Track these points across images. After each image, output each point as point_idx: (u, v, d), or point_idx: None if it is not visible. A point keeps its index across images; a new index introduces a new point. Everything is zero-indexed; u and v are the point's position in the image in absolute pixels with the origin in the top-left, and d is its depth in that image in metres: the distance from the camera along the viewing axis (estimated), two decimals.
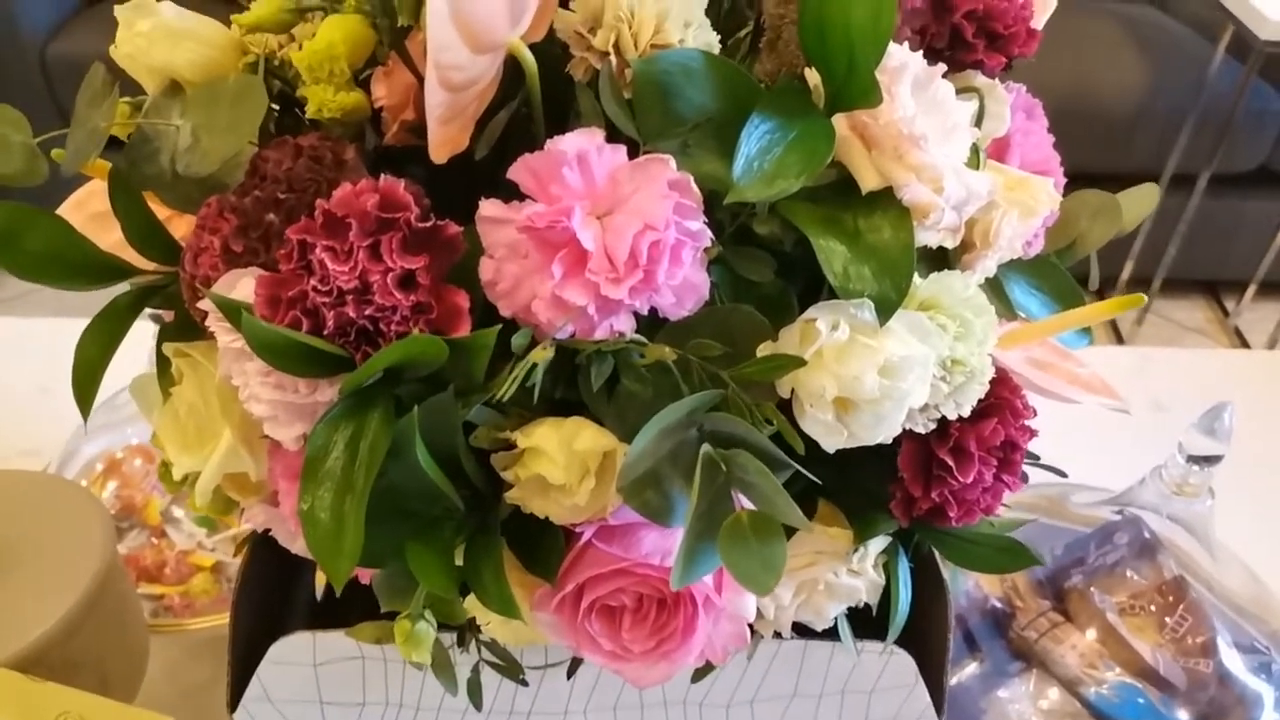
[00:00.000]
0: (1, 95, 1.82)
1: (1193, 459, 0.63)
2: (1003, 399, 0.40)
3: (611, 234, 0.32)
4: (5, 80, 1.83)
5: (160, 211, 0.43)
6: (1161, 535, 0.73)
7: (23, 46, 1.78)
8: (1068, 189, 0.49)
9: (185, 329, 0.43)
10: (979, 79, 0.42)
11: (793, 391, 0.36)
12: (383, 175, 0.33)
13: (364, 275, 0.32)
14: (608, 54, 0.38)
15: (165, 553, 0.88)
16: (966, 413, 0.39)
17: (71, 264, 0.42)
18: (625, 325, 0.33)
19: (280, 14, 0.38)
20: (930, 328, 0.35)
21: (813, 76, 0.38)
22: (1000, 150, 0.45)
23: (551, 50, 0.40)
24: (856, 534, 0.40)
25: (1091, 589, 0.77)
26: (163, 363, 0.42)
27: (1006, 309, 0.47)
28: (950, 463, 0.39)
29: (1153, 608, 0.76)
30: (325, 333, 0.32)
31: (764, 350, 0.35)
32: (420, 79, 0.38)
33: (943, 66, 0.37)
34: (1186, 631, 0.75)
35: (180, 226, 0.46)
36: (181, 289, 0.40)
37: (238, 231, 0.37)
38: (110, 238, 0.45)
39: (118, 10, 0.44)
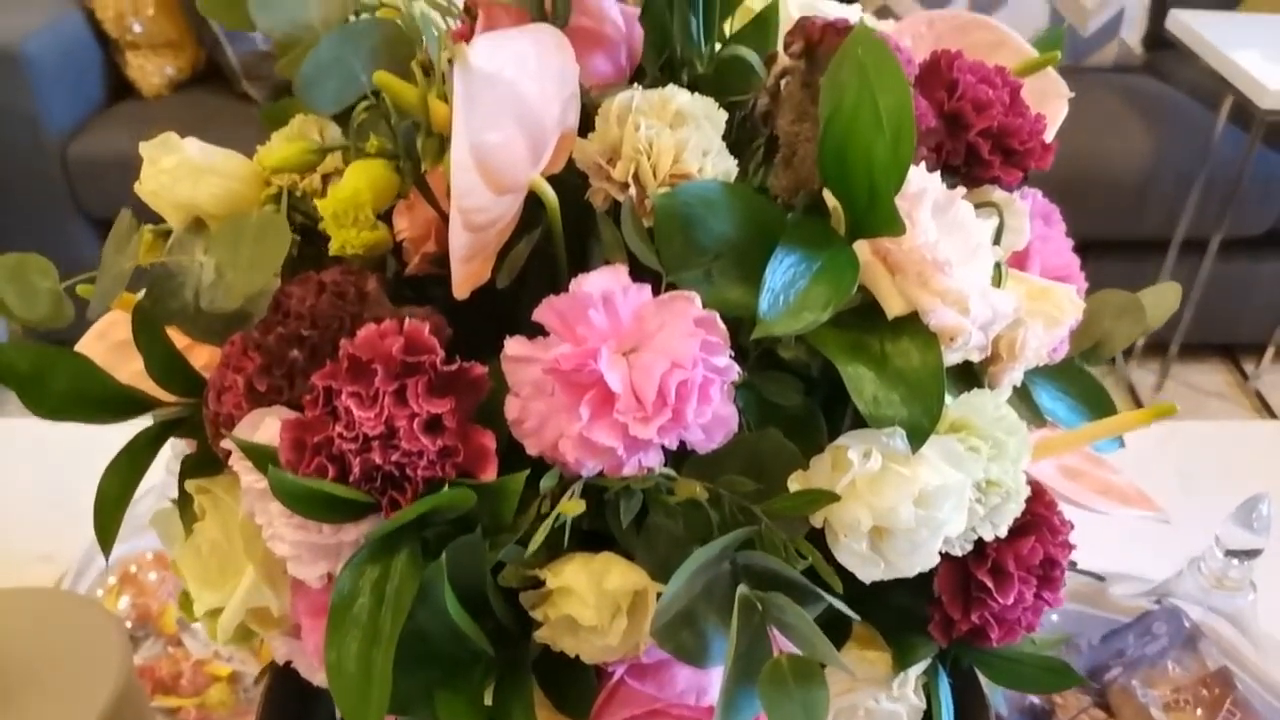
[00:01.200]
0: (24, 194, 1.86)
1: (1231, 552, 0.61)
2: (1039, 515, 0.39)
3: (639, 373, 0.31)
4: (28, 179, 1.87)
5: (179, 340, 0.43)
6: (1203, 625, 0.71)
7: (45, 145, 1.82)
8: (1082, 256, 0.48)
9: (206, 461, 0.42)
10: (996, 194, 0.42)
11: (825, 520, 0.35)
12: (407, 318, 0.33)
13: (390, 421, 0.32)
14: (628, 185, 0.38)
15: (181, 663, 0.87)
16: (1003, 532, 0.38)
17: (95, 401, 0.42)
18: (654, 461, 0.33)
19: (304, 154, 0.38)
20: (963, 453, 0.35)
21: (831, 197, 0.38)
22: (1021, 259, 0.45)
23: (571, 179, 0.40)
24: (896, 659, 0.39)
25: (1134, 682, 0.74)
26: (185, 497, 0.42)
27: (1035, 416, 0.47)
28: (989, 584, 0.38)
29: (1198, 702, 0.73)
30: (351, 479, 0.32)
31: (795, 480, 0.35)
32: (442, 214, 0.38)
33: (962, 189, 0.37)
34: None
35: (201, 355, 0.46)
36: (204, 424, 0.40)
37: (261, 370, 0.37)
38: (131, 368, 0.45)
39: (143, 148, 0.45)
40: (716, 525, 0.33)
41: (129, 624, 0.89)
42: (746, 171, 0.46)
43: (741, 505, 0.33)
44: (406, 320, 0.33)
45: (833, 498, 0.32)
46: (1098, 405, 0.49)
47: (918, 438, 0.34)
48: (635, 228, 0.35)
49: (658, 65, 0.46)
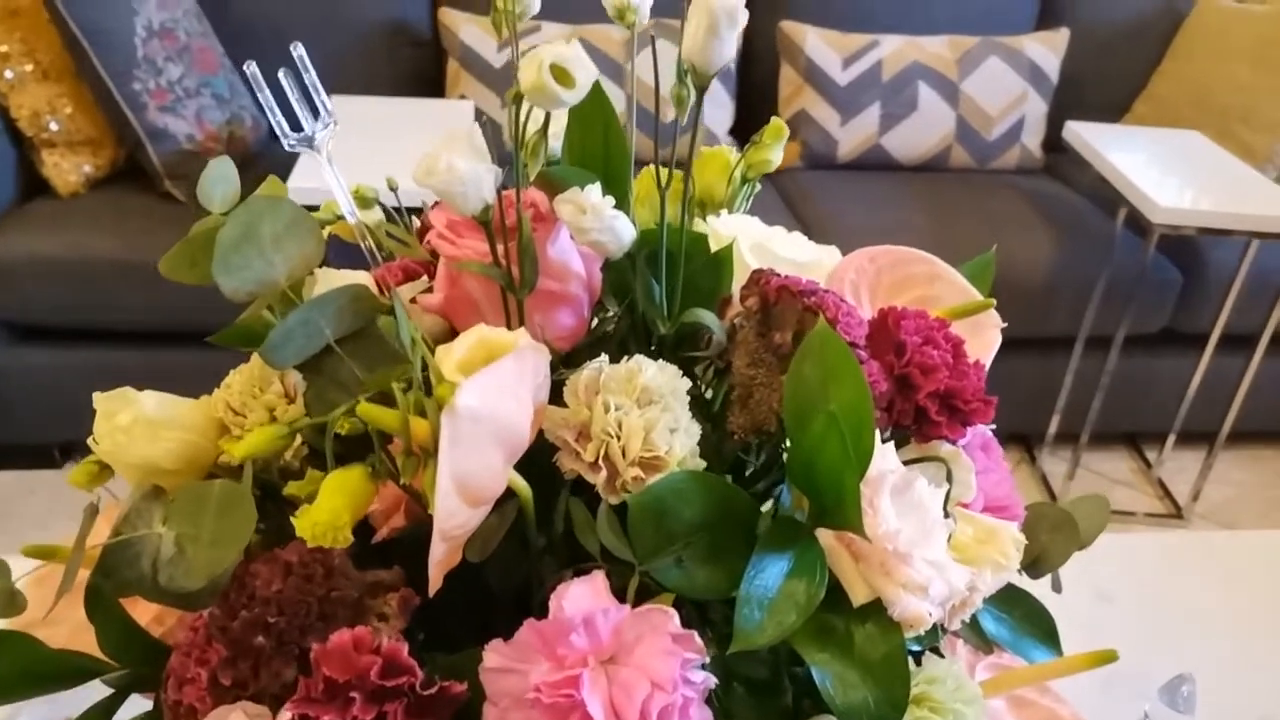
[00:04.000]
0: None
1: None
2: None
3: (620, 693, 0.32)
4: None
5: (142, 616, 0.42)
6: None
7: None
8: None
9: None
10: (944, 448, 0.45)
11: None
12: (384, 640, 0.33)
13: None
14: (598, 465, 0.39)
15: None
16: None
17: (43, 676, 0.40)
18: None
19: (275, 441, 0.38)
20: None
21: (797, 494, 0.40)
22: None
23: (539, 443, 0.41)
24: None
25: None
26: None
27: (983, 643, 0.49)
28: None
29: None
30: None
31: None
32: (410, 494, 0.38)
33: (919, 475, 0.39)
34: None
35: (148, 611, 0.45)
36: (161, 700, 0.39)
37: (226, 663, 0.37)
38: (78, 614, 0.44)
39: (98, 400, 0.44)
40: None
41: None
42: (707, 407, 0.47)
43: None
44: (383, 641, 0.33)
45: None
46: (1040, 624, 0.51)
47: None
48: (610, 525, 0.36)
49: (620, 308, 0.47)
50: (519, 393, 0.35)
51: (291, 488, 0.40)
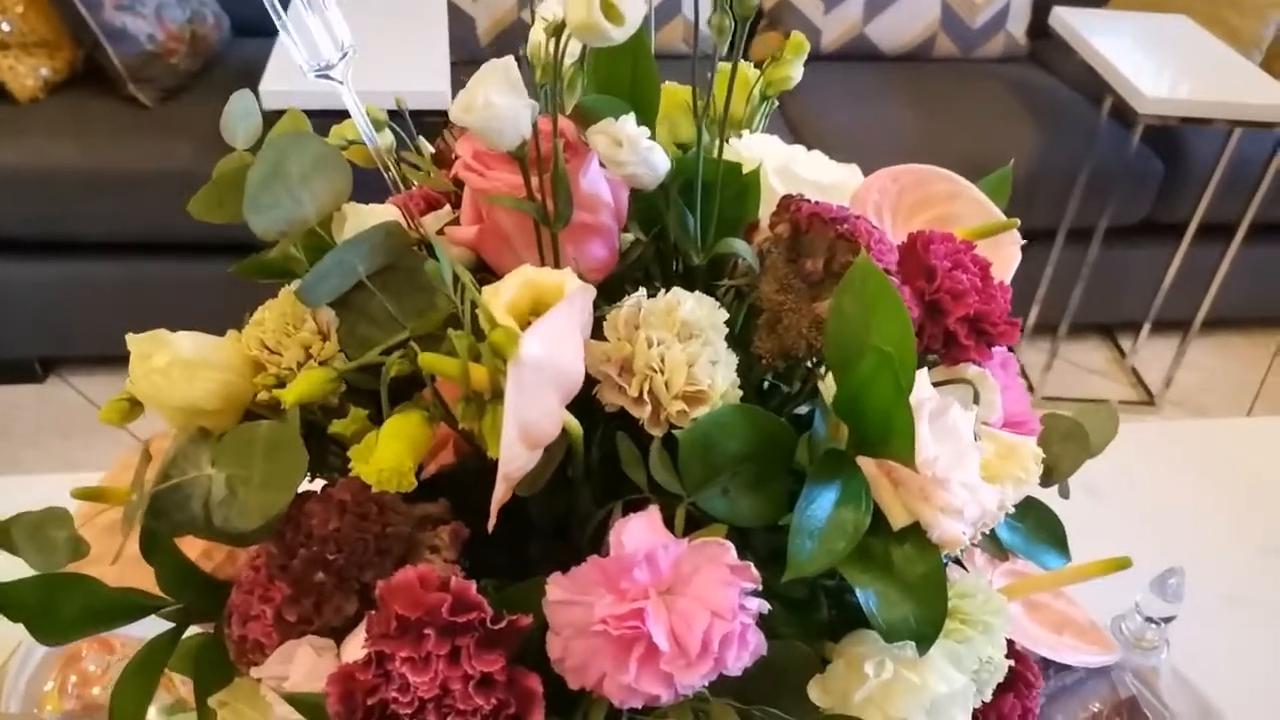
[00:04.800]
0: None
1: (1149, 619, 0.67)
2: (1017, 672, 0.44)
3: (680, 623, 0.34)
4: None
5: (190, 550, 0.43)
6: None
7: None
8: None
9: (218, 657, 0.43)
10: (971, 370, 0.46)
11: None
12: (453, 578, 0.34)
13: (444, 683, 0.33)
14: (643, 400, 0.39)
15: None
16: (989, 697, 0.42)
17: (102, 614, 0.41)
18: (690, 689, 0.35)
19: (324, 385, 0.39)
20: (964, 652, 0.38)
21: (831, 390, 0.41)
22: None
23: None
24: None
25: (1056, 715, 0.81)
26: (203, 705, 0.42)
27: (998, 550, 0.51)
28: None
29: None
30: None
31: (815, 687, 0.38)
32: (460, 434, 0.39)
33: (954, 401, 0.40)
34: None
35: (196, 546, 0.45)
36: (226, 643, 0.40)
37: (290, 601, 0.38)
38: (127, 549, 0.45)
39: (131, 341, 0.44)
40: None
41: (74, 709, 0.86)
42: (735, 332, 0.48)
43: None
44: (454, 580, 0.34)
45: None
46: (1051, 531, 0.53)
47: (925, 643, 0.37)
48: (661, 460, 0.37)
49: (649, 237, 0.47)
50: (574, 336, 0.35)
51: (336, 426, 0.41)
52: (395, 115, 0.54)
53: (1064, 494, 0.57)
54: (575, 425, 0.37)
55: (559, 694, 0.36)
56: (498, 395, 0.34)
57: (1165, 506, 1.02)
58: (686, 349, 0.40)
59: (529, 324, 0.38)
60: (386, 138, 0.54)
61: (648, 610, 0.33)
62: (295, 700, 0.35)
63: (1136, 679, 0.78)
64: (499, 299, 0.36)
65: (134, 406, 0.48)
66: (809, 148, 0.53)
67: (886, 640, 0.37)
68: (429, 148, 0.56)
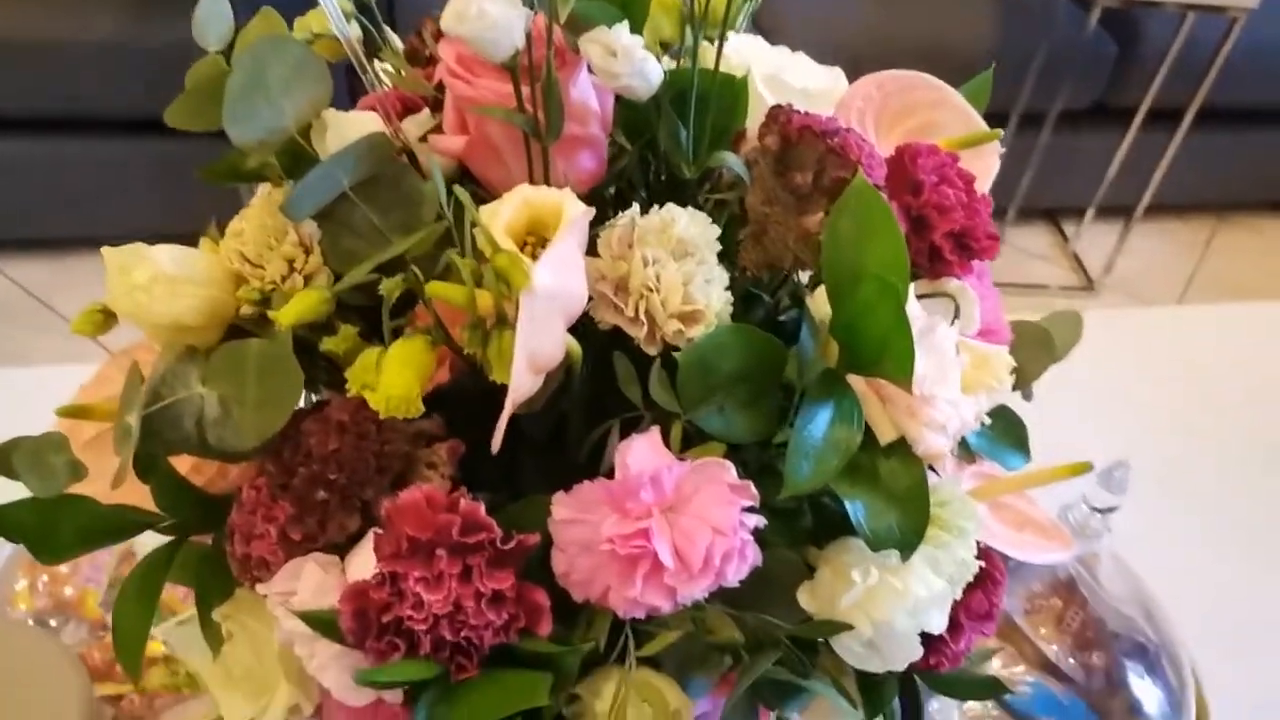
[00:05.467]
0: None
1: (1094, 509, 0.72)
2: (985, 571, 0.46)
3: (683, 540, 0.35)
4: None
5: (180, 466, 0.43)
6: None
7: None
8: None
9: (219, 570, 0.43)
10: (952, 284, 0.47)
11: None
12: (461, 499, 0.35)
13: (457, 600, 0.34)
14: (638, 318, 0.40)
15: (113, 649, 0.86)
16: (959, 595, 0.44)
17: (99, 532, 0.41)
18: (689, 600, 0.37)
19: (320, 305, 0.38)
20: (941, 557, 0.40)
21: (820, 308, 0.42)
22: None
23: None
24: (866, 706, 0.46)
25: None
26: (206, 617, 0.42)
27: (966, 453, 0.53)
28: (945, 636, 0.45)
29: (1050, 607, 0.87)
30: (420, 652, 0.35)
31: (804, 593, 0.40)
32: (455, 351, 0.39)
33: (941, 319, 0.41)
34: (1081, 626, 0.86)
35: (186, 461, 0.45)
36: (227, 558, 0.41)
37: (294, 520, 0.38)
38: (110, 463, 0.45)
39: (108, 254, 0.43)
40: (742, 645, 0.38)
41: (44, 607, 0.87)
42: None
43: (768, 631, 0.38)
44: (462, 502, 0.35)
45: (847, 627, 0.38)
46: (1015, 434, 0.55)
47: (907, 550, 0.39)
48: (660, 380, 0.38)
49: (636, 147, 0.47)
50: (579, 261, 0.35)
51: (328, 344, 0.41)
52: (362, 8, 0.52)
53: (1027, 397, 0.59)
54: (576, 347, 0.37)
55: (562, 604, 0.38)
56: (502, 320, 0.34)
57: (1104, 395, 1.07)
58: (682, 267, 0.40)
59: (525, 244, 0.38)
60: (356, 30, 0.52)
61: (653, 529, 0.34)
62: (309, 617, 0.36)
63: (1078, 562, 0.83)
64: (498, 220, 0.36)
65: (107, 318, 0.47)
66: (771, 41, 0.52)
67: (872, 550, 0.39)
68: (398, 43, 0.54)
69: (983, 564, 0.46)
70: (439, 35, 0.48)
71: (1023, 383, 0.57)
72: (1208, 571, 0.93)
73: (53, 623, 0.86)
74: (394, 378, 0.34)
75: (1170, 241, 2.36)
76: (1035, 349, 0.56)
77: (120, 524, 0.42)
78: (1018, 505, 0.52)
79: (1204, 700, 0.83)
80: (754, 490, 0.36)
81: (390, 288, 0.34)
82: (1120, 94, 2.10)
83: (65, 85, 1.69)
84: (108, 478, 0.44)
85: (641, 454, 0.35)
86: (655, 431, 0.37)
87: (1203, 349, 1.17)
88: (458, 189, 0.35)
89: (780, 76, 0.49)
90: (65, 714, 0.62)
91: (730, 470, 0.36)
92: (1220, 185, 2.35)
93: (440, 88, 0.46)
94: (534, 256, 0.37)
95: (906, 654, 0.40)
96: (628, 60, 0.39)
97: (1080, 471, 0.48)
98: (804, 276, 0.48)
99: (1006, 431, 0.55)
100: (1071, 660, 0.84)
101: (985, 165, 0.53)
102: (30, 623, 0.85)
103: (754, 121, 0.48)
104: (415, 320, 0.41)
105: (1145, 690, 0.80)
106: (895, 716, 0.49)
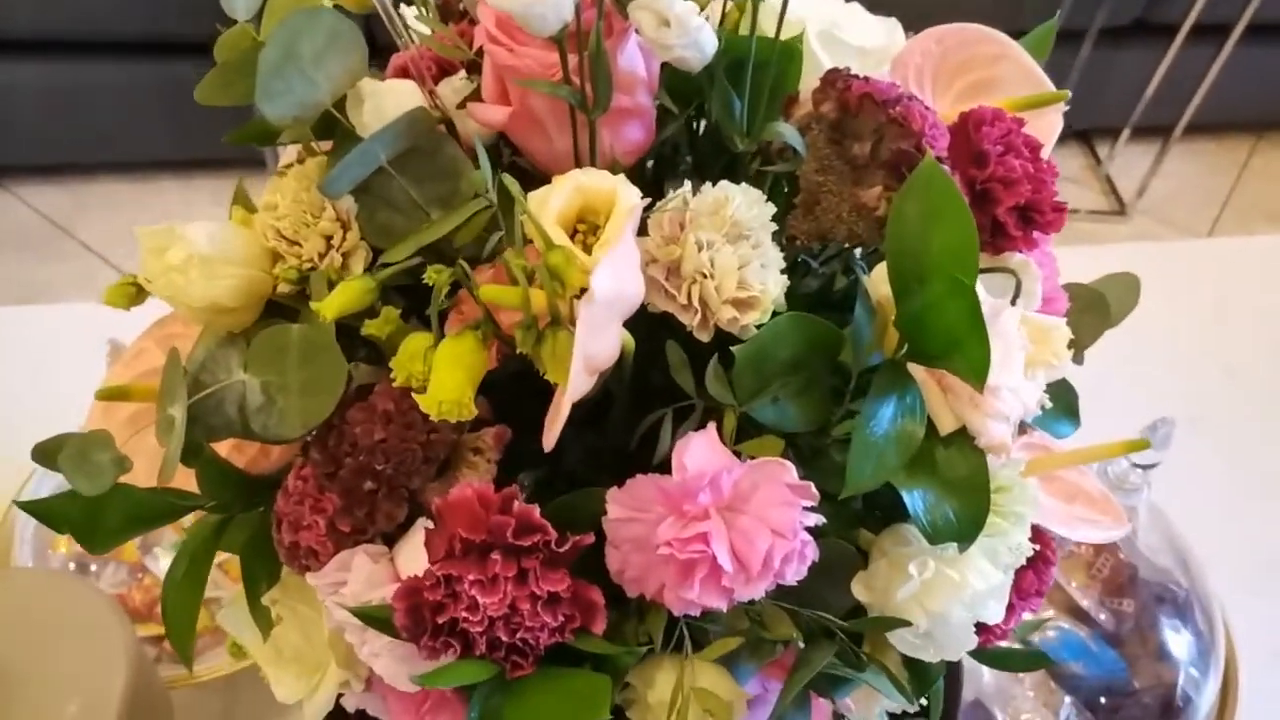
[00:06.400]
0: None
1: (1135, 464, 0.71)
2: (1037, 552, 0.45)
3: (742, 542, 0.34)
4: None
5: (221, 446, 0.42)
6: None
7: None
8: None
9: (264, 548, 0.43)
10: (1014, 259, 0.45)
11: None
12: (514, 498, 0.34)
13: (513, 603, 0.34)
14: (691, 305, 0.38)
15: (152, 590, 0.87)
16: (1011, 576, 0.44)
17: (143, 519, 0.41)
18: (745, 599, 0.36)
19: (364, 295, 0.37)
20: (999, 547, 0.40)
21: (878, 288, 0.40)
22: None
23: None
24: (914, 689, 0.45)
25: None
26: (254, 599, 0.42)
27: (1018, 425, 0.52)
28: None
29: (1083, 555, 0.86)
30: (476, 652, 0.34)
31: (859, 584, 0.39)
32: (505, 343, 0.38)
33: (1006, 303, 0.39)
34: (1111, 573, 0.86)
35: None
36: (275, 545, 0.40)
37: (342, 512, 0.38)
38: (150, 442, 0.44)
39: (142, 235, 0.42)
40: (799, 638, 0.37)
41: (83, 554, 0.88)
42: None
43: (823, 626, 0.37)
44: (517, 504, 0.34)
45: (904, 623, 0.37)
46: (1066, 401, 0.54)
47: (967, 542, 0.38)
48: (716, 376, 0.37)
49: (685, 113, 0.44)
50: (635, 256, 0.33)
51: (369, 328, 0.39)
52: None
53: (1078, 361, 0.58)
54: (630, 341, 0.36)
55: (614, 591, 0.37)
56: (556, 319, 0.33)
57: (1132, 329, 1.05)
58: (737, 251, 0.38)
59: (576, 232, 0.36)
60: None
61: (711, 533, 0.33)
62: (363, 615, 0.35)
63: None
64: (548, 211, 0.34)
65: (139, 292, 0.46)
66: None
67: (931, 543, 0.38)
68: None
69: (1036, 547, 0.45)
70: None
71: (1076, 348, 0.55)
72: (1238, 513, 0.92)
73: (93, 566, 0.87)
74: (445, 379, 0.32)
75: (1203, 164, 2.29)
76: (1089, 314, 0.55)
77: (164, 508, 0.41)
78: (1068, 476, 0.51)
79: (1232, 645, 0.83)
80: (814, 490, 0.35)
81: (438, 279, 0.33)
82: (1162, 9, 2.02)
83: (80, 6, 1.65)
84: (147, 456, 0.44)
85: (699, 454, 0.34)
86: (712, 429, 0.36)
87: (1229, 282, 1.14)
88: (505, 177, 0.33)
89: (835, 33, 0.46)
90: (110, 659, 0.63)
91: (790, 471, 0.35)
92: (1260, 103, 2.27)
93: (478, 50, 0.44)
94: (585, 246, 0.35)
95: (961, 643, 0.40)
96: (681, 30, 0.37)
97: (1138, 448, 0.47)
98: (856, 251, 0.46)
99: (1057, 399, 0.53)
100: (1101, 606, 0.84)
101: (1048, 124, 0.51)
102: (71, 566, 0.86)
103: (807, 83, 0.46)
104: (461, 306, 0.39)
105: (1175, 637, 0.80)
106: (940, 693, 0.49)
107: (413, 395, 0.38)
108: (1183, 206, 2.20)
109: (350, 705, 0.47)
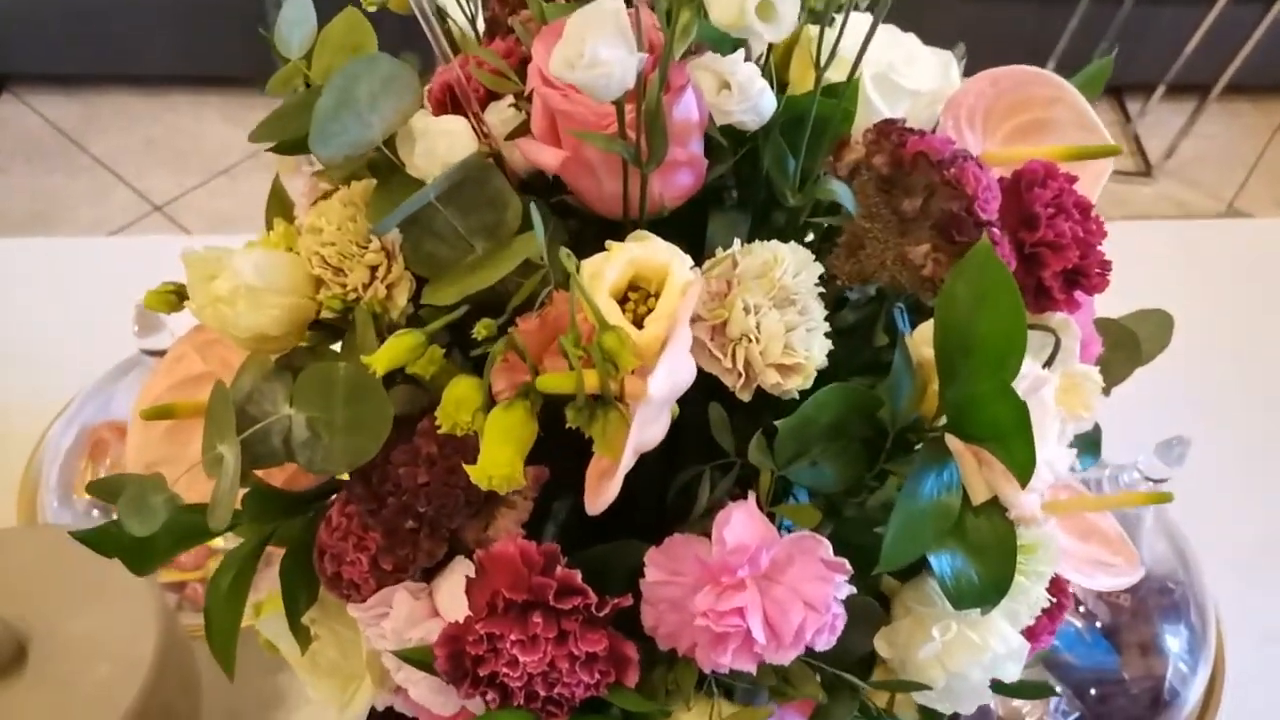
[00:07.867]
0: None
1: (1147, 478, 0.72)
2: (1056, 600, 0.47)
3: (776, 612, 0.35)
4: None
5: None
6: None
7: None
8: None
9: (302, 563, 0.44)
10: (1055, 318, 0.45)
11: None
12: (555, 559, 0.35)
13: (552, 661, 0.35)
14: (734, 368, 0.38)
15: None
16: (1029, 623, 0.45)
17: (189, 539, 0.42)
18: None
19: (413, 350, 0.37)
20: (1021, 610, 0.41)
21: (919, 349, 0.41)
22: None
23: None
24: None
25: None
26: (296, 618, 0.44)
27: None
28: None
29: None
30: (514, 703, 0.36)
31: (881, 639, 0.40)
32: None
33: (1048, 377, 0.39)
34: None
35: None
36: (317, 571, 0.42)
37: (385, 551, 0.39)
38: (192, 451, 0.45)
39: (185, 260, 0.42)
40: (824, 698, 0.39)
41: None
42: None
43: (848, 683, 0.39)
44: (558, 566, 0.35)
45: (924, 688, 0.38)
46: (1087, 439, 0.55)
47: (990, 606, 0.40)
48: (761, 450, 0.37)
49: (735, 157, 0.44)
50: (689, 341, 0.34)
51: (414, 367, 0.40)
52: None
53: (1105, 393, 0.58)
54: (675, 410, 0.36)
55: (644, 640, 0.39)
56: (606, 399, 0.33)
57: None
58: (784, 316, 0.38)
59: (627, 299, 0.36)
60: None
61: (748, 608, 0.34)
62: (406, 656, 0.37)
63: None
64: (601, 284, 0.34)
65: (181, 300, 0.46)
66: None
67: (955, 608, 0.39)
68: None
69: (1052, 593, 0.47)
70: (527, 18, 0.44)
71: (1105, 385, 0.55)
72: (1227, 500, 0.93)
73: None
74: (496, 455, 0.33)
75: (1238, 127, 2.25)
76: (1120, 352, 0.55)
77: (203, 529, 0.42)
78: (1084, 514, 0.52)
79: (1222, 641, 0.85)
80: (847, 565, 0.36)
81: (494, 347, 0.33)
82: None
83: None
84: (188, 465, 0.45)
85: (740, 527, 0.35)
86: (752, 501, 0.36)
87: (1243, 262, 1.13)
88: (563, 252, 0.33)
89: (890, 76, 0.46)
90: (141, 620, 0.65)
91: (825, 547, 0.36)
92: None
93: (524, 63, 0.43)
94: (635, 316, 0.36)
95: (976, 699, 0.41)
96: (742, 96, 0.37)
97: (1161, 500, 0.48)
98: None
99: (1080, 436, 0.54)
100: (1099, 598, 0.86)
101: (1097, 170, 0.50)
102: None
103: (859, 124, 0.45)
104: (508, 355, 0.40)
105: (1168, 630, 0.82)
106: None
107: (455, 438, 0.39)
108: (1210, 170, 2.16)
109: (379, 704, 0.49)
